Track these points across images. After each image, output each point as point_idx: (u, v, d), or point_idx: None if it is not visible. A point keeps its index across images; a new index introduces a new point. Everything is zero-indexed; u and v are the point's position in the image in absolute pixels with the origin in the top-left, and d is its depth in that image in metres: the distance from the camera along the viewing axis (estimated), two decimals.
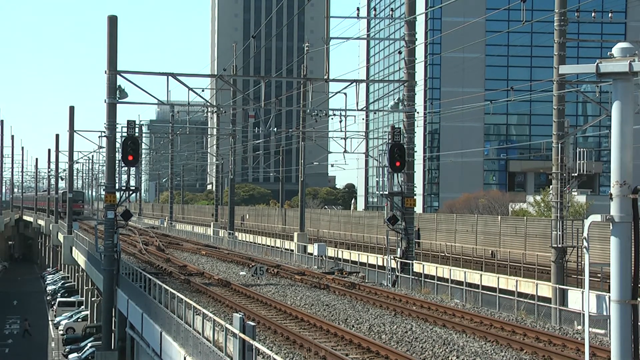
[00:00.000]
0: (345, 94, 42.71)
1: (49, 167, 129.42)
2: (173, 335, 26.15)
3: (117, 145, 42.10)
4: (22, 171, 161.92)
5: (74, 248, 77.49)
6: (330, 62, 41.87)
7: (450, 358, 21.24)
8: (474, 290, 33.33)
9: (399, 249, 40.25)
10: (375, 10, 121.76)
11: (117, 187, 41.23)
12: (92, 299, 65.28)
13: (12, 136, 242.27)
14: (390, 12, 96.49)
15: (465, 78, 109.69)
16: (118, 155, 41.38)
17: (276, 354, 20.19)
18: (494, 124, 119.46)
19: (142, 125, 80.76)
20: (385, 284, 38.60)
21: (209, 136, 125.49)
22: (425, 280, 37.39)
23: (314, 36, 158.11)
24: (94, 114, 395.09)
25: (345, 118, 43.46)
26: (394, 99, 42.67)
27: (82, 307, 74.05)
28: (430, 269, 41.07)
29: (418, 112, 49.42)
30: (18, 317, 74.01)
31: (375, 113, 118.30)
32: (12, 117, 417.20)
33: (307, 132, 66.91)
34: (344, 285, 36.49)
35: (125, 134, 40.77)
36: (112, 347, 41.64)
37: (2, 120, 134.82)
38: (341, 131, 44.94)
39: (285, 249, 61.48)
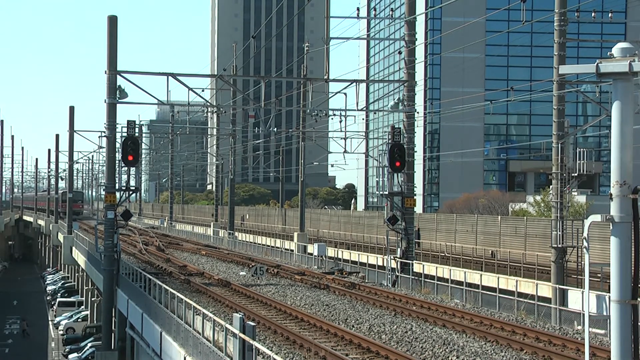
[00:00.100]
0: (345, 94, 42.75)
1: (49, 167, 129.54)
2: (173, 335, 26.15)
3: (117, 145, 42.10)
4: (22, 171, 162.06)
5: (74, 248, 77.50)
6: (330, 62, 41.89)
7: (450, 358, 21.24)
8: (474, 290, 33.33)
9: (399, 249, 40.25)
10: (375, 10, 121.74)
11: (117, 187, 41.24)
12: (92, 299, 65.28)
13: (12, 136, 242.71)
14: (390, 12, 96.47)
15: (465, 78, 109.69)
16: (118, 155, 41.38)
17: (276, 354, 20.19)
18: (494, 124, 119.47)
19: (142, 125, 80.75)
20: (385, 284, 38.60)
21: (209, 136, 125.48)
22: (425, 280, 37.39)
23: (314, 36, 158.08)
24: (94, 114, 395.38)
25: (345, 118, 43.47)
26: (394, 99, 42.67)
27: (82, 307, 74.05)
28: (430, 269, 41.06)
29: (418, 112, 49.41)
30: (18, 317, 74.01)
31: (375, 113, 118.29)
32: (12, 117, 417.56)
33: (307, 132, 66.91)
34: (344, 285, 36.49)
35: (125, 134, 40.77)
36: (112, 347, 41.64)
37: (2, 120, 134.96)
38: (341, 131, 44.93)
39: (285, 249, 61.48)
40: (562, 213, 33.69)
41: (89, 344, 55.14)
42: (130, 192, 41.85)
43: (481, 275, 36.87)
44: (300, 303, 31.57)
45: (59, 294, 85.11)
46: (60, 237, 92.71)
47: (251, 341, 18.43)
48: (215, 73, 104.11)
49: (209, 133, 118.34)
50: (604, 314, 26.24)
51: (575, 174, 34.58)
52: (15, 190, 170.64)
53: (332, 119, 48.83)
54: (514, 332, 24.67)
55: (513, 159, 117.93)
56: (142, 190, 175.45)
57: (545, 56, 69.81)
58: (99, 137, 57.08)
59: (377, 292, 34.16)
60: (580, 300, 28.47)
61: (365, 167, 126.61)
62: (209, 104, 60.13)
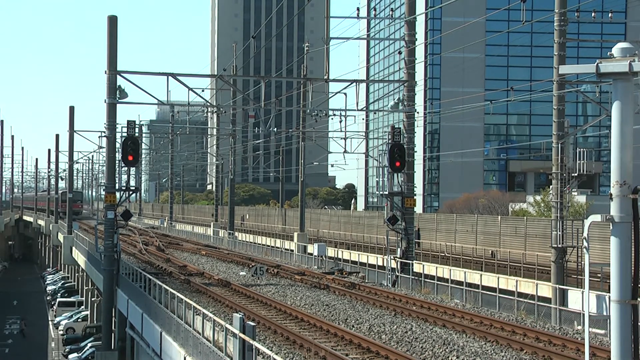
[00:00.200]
0: (345, 94, 42.75)
1: (49, 167, 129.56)
2: (173, 335, 26.15)
3: (117, 145, 42.10)
4: (22, 171, 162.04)
5: (74, 248, 77.50)
6: (330, 62, 41.88)
7: (450, 358, 21.24)
8: (474, 290, 33.33)
9: (399, 249, 40.25)
10: (375, 10, 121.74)
11: (117, 187, 41.24)
12: (92, 299, 65.28)
13: (12, 136, 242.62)
14: (390, 12, 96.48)
15: (465, 78, 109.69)
16: (118, 155, 41.38)
17: (276, 354, 20.19)
18: (494, 124, 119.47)
19: (142, 125, 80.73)
20: (385, 284, 38.60)
21: (209, 136, 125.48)
22: (425, 280, 37.39)
23: (314, 36, 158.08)
24: (94, 114, 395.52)
25: (345, 118, 43.47)
26: (394, 99, 42.67)
27: (82, 307, 74.05)
28: (430, 269, 41.06)
29: (418, 112, 49.41)
30: (18, 317, 74.03)
31: (375, 113, 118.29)
32: (12, 117, 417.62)
33: (307, 132, 66.91)
34: (344, 285, 36.49)
35: (125, 134, 40.77)
36: (112, 347, 41.64)
37: (2, 120, 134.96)
38: (341, 131, 44.92)
39: (285, 249, 61.48)
40: (562, 213, 33.69)
41: (89, 344, 55.14)
42: (130, 192, 41.85)
43: (481, 275, 36.87)
44: (300, 303, 31.57)
45: (59, 294, 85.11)
46: (60, 237, 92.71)
47: (251, 341, 18.43)
48: (215, 73, 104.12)
49: (209, 133, 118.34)
50: (604, 314, 26.24)
51: (575, 174, 34.58)
52: (15, 190, 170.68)
53: (332, 119, 48.85)
54: (514, 332, 24.67)
55: (513, 159, 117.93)
56: (142, 190, 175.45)
57: (545, 56, 69.84)
58: (99, 137, 57.11)
59: (377, 292, 34.16)
60: (580, 300, 28.47)
61: (365, 167, 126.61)
62: (209, 104, 60.13)
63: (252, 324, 19.07)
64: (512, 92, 47.30)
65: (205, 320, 23.73)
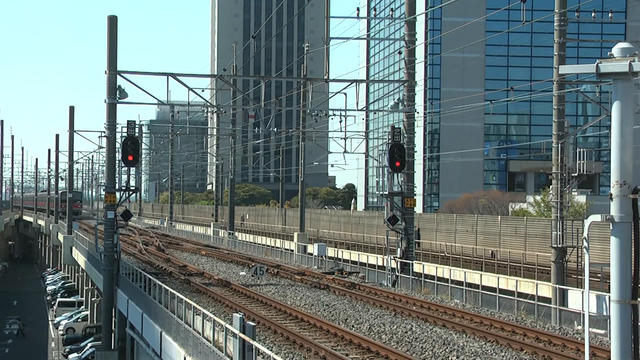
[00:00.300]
0: (345, 94, 42.75)
1: (49, 167, 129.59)
2: (173, 335, 26.15)
3: (117, 145, 42.10)
4: (22, 171, 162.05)
5: (74, 248, 77.50)
6: (330, 62, 41.88)
7: (450, 358, 21.24)
8: (474, 290, 33.33)
9: (399, 249, 40.25)
10: (375, 10, 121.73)
11: (117, 187, 41.24)
12: (92, 299, 65.27)
13: (12, 136, 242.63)
14: (390, 12, 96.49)
15: (465, 78, 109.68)
16: (118, 155, 41.38)
17: (276, 354, 20.19)
18: (494, 124, 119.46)
19: (142, 125, 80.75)
20: (385, 284, 38.59)
21: (209, 136, 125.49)
22: (425, 280, 37.39)
23: (314, 36, 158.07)
24: (94, 114, 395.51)
25: (345, 118, 43.46)
26: (394, 99, 42.67)
27: (82, 307, 74.05)
28: (430, 269, 41.06)
29: (418, 112, 49.41)
30: (18, 317, 74.06)
31: (375, 113, 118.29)
32: (12, 117, 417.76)
33: (307, 132, 66.91)
34: (344, 285, 36.49)
35: (125, 134, 40.77)
36: (112, 347, 41.63)
37: (2, 120, 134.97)
38: (341, 131, 44.92)
39: (285, 249, 61.48)
40: (562, 213, 33.69)
41: (89, 344, 55.14)
42: (130, 192, 41.85)
43: (481, 275, 36.87)
44: (300, 303, 31.57)
45: (59, 294, 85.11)
46: (60, 237, 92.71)
47: (251, 341, 18.42)
48: (215, 73, 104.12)
49: (209, 133, 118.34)
50: (604, 314, 26.24)
51: (575, 174, 34.58)
52: (15, 190, 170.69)
53: (332, 119, 48.84)
54: (514, 332, 24.67)
55: (513, 159, 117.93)
56: (142, 190, 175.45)
57: (545, 56, 69.82)
58: (99, 137, 57.12)
59: (377, 292, 34.15)
60: (580, 300, 28.47)
61: (365, 167, 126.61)
62: (209, 104, 60.13)
63: (252, 324, 19.07)
64: (512, 92, 47.32)
65: (205, 320, 23.73)
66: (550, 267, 36.17)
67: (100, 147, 58.75)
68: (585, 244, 11.21)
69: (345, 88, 42.10)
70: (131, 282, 37.67)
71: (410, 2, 41.24)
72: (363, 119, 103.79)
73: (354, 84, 41.11)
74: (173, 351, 25.72)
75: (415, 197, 41.81)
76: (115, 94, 40.42)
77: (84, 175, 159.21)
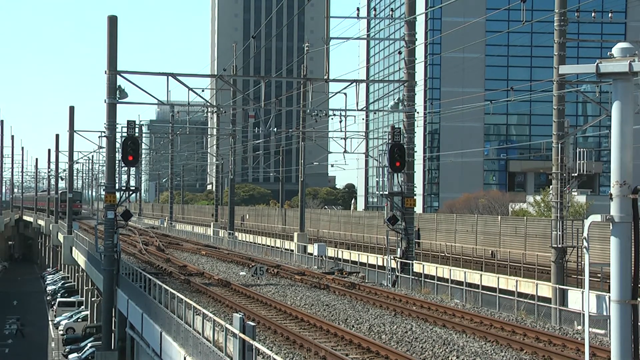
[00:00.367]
0: (345, 94, 42.75)
1: (49, 167, 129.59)
2: (173, 335, 26.15)
3: (117, 145, 42.10)
4: (22, 171, 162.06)
5: (74, 248, 77.49)
6: (330, 62, 41.88)
7: (450, 358, 21.24)
8: (474, 290, 33.33)
9: (399, 249, 40.24)
10: (375, 10, 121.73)
11: (117, 187, 41.24)
12: (92, 299, 65.27)
13: (12, 136, 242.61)
14: (390, 12, 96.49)
15: (465, 78, 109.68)
16: (118, 155, 41.38)
17: (276, 354, 20.19)
18: (494, 124, 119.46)
19: (142, 125, 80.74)
20: (385, 284, 38.60)
21: (209, 136, 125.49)
22: (425, 280, 37.39)
23: (314, 36, 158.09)
24: (94, 114, 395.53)
25: (345, 118, 43.46)
26: (394, 99, 42.67)
27: (82, 307, 74.04)
28: (430, 269, 41.06)
29: (418, 112, 49.41)
30: (18, 317, 74.09)
31: (375, 113, 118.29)
32: (12, 117, 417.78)
33: (307, 132, 66.91)
34: (344, 285, 36.49)
35: (125, 134, 40.77)
36: (112, 347, 41.63)
37: (2, 120, 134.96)
38: (341, 131, 44.92)
39: (285, 249, 61.48)
40: (562, 213, 33.69)
41: (89, 344, 55.14)
42: (130, 192, 41.85)
43: (481, 275, 36.87)
44: (300, 303, 31.57)
45: (59, 294, 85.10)
46: (60, 237, 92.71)
47: (251, 341, 18.43)
48: (215, 73, 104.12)
49: (209, 133, 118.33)
50: (604, 314, 26.24)
51: (575, 174, 34.58)
52: (15, 190, 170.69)
53: (332, 119, 48.85)
54: (514, 332, 24.66)
55: (513, 159, 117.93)
56: (142, 190, 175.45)
57: (545, 56, 69.81)
58: (99, 137, 57.11)
59: (377, 292, 34.16)
60: (580, 300, 28.47)
61: (365, 167, 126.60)
62: (209, 104, 60.13)
63: (252, 324, 19.07)
64: (512, 92, 47.30)
65: (205, 320, 23.73)
66: (550, 267, 36.16)
67: (100, 147, 58.75)
68: (585, 244, 11.21)
69: (345, 88, 42.12)
70: (131, 282, 37.67)
71: (410, 2, 41.24)
72: (363, 119, 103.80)
73: (354, 84, 41.11)
74: (173, 351, 25.72)
75: (415, 197, 41.81)
76: (115, 94, 40.42)
77: (84, 175, 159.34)
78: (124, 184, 41.02)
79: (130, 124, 40.86)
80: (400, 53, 47.52)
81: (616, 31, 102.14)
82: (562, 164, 33.75)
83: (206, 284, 37.54)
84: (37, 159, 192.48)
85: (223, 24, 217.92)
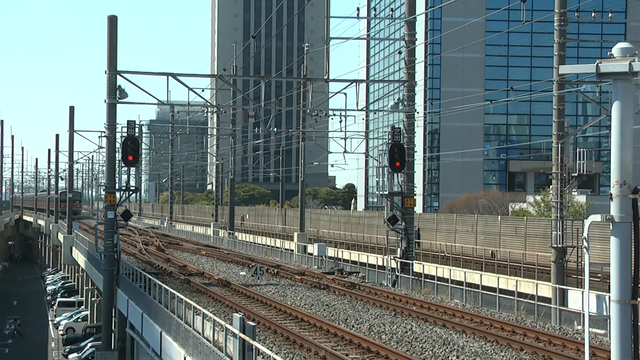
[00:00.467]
0: (345, 94, 42.77)
1: (49, 167, 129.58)
2: (173, 335, 26.15)
3: (117, 145, 42.10)
4: (22, 171, 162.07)
5: (74, 248, 77.49)
6: (330, 62, 41.87)
7: (450, 358, 21.24)
8: (474, 290, 33.33)
9: (399, 249, 40.25)
10: (375, 10, 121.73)
11: (117, 187, 41.24)
12: (92, 299, 65.27)
13: (12, 136, 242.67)
14: (390, 12, 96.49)
15: (465, 78, 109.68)
16: (118, 155, 41.38)
17: (276, 354, 20.19)
18: (494, 124, 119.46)
19: (142, 125, 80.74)
20: (385, 284, 38.59)
21: (209, 136, 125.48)
22: (425, 280, 37.39)
23: (314, 36, 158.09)
24: (94, 114, 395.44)
25: (345, 118, 43.47)
26: (394, 99, 42.67)
27: (82, 307, 74.04)
28: (430, 269, 41.06)
29: (418, 112, 49.41)
30: (17, 317, 74.09)
31: (375, 113, 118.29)
32: (12, 117, 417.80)
33: (307, 132, 66.91)
34: (344, 285, 36.49)
35: (125, 134, 40.78)
36: (112, 347, 41.63)
37: (2, 120, 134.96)
38: (341, 131, 44.93)
39: (285, 249, 61.48)
40: (562, 213, 33.69)
41: (89, 344, 55.14)
42: (130, 192, 41.85)
43: (481, 275, 36.88)
44: (300, 303, 31.57)
45: (59, 294, 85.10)
46: (60, 237, 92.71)
47: (251, 341, 18.42)
48: (215, 73, 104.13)
49: (209, 133, 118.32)
50: (604, 314, 26.24)
51: (575, 174, 34.58)
52: (15, 190, 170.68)
53: (332, 119, 48.85)
54: (514, 332, 24.67)
55: (513, 159, 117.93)
56: (142, 190, 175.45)
57: (545, 56, 69.77)
58: (99, 137, 57.09)
59: (377, 292, 34.15)
60: (580, 300, 28.47)
61: (365, 167, 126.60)
62: (209, 104, 60.13)
63: (252, 324, 19.07)
64: (512, 92, 47.33)
65: (205, 320, 23.73)
66: (550, 267, 36.16)
67: (100, 147, 58.74)
68: (585, 244, 11.21)
69: (345, 88, 42.12)
70: (131, 282, 37.66)
71: (410, 2, 41.24)
72: (363, 119, 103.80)
73: (354, 84, 41.11)
74: (173, 351, 25.72)
75: (415, 197, 41.81)
76: (115, 94, 40.42)
77: (84, 175, 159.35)
78: (124, 184, 41.03)
79: (130, 124, 40.86)
80: (400, 53, 47.53)
81: (616, 31, 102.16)
82: (562, 164, 33.75)
83: (206, 284, 37.54)
84: (37, 159, 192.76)
85: (223, 24, 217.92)
